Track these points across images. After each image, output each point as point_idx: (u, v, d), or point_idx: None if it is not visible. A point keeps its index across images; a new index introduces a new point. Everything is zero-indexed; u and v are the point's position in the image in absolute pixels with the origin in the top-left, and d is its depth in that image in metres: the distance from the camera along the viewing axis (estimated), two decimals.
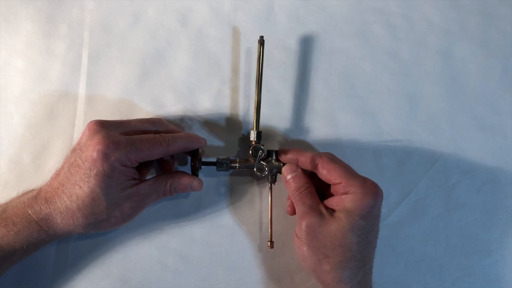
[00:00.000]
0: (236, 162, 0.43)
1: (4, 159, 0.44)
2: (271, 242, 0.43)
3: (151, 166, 0.44)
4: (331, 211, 0.39)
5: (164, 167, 0.44)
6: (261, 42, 0.45)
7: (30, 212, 0.36)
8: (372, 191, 0.37)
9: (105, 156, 0.35)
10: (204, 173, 0.45)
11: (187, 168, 0.45)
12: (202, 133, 0.46)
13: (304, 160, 0.41)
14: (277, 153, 0.43)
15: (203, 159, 0.43)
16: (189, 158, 0.45)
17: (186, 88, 0.47)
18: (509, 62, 0.51)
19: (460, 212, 0.48)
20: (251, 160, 0.44)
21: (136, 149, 0.36)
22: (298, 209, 0.40)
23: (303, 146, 0.47)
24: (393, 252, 0.47)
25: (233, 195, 0.46)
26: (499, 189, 0.49)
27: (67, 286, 0.43)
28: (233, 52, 0.48)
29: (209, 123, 0.46)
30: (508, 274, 0.48)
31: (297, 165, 0.42)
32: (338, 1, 0.50)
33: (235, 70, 0.48)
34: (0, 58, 0.46)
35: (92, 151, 0.35)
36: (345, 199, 0.38)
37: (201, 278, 0.44)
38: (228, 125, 0.47)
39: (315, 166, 0.40)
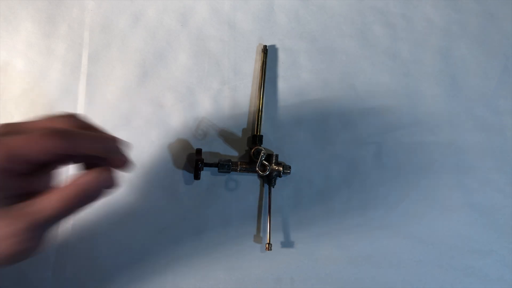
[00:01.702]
0: (237, 165, 0.44)
1: None
2: (269, 244, 0.44)
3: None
4: None
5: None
6: (265, 51, 0.46)
7: None
8: None
9: None
10: (205, 174, 0.45)
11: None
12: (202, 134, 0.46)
13: None
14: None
15: (206, 161, 0.44)
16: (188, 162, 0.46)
17: (186, 88, 0.47)
18: (509, 62, 0.51)
19: (460, 212, 0.48)
20: (252, 162, 0.44)
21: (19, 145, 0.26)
22: None
23: (303, 146, 0.47)
24: (393, 252, 0.47)
25: (233, 195, 0.46)
26: (499, 189, 0.49)
27: (67, 286, 0.43)
28: (233, 52, 0.48)
29: (209, 124, 0.46)
30: (508, 274, 0.48)
31: None
32: (338, 1, 0.50)
33: (235, 70, 0.48)
34: (0, 58, 0.46)
35: None
36: None
37: (201, 278, 0.44)
38: (228, 126, 0.47)
39: None
